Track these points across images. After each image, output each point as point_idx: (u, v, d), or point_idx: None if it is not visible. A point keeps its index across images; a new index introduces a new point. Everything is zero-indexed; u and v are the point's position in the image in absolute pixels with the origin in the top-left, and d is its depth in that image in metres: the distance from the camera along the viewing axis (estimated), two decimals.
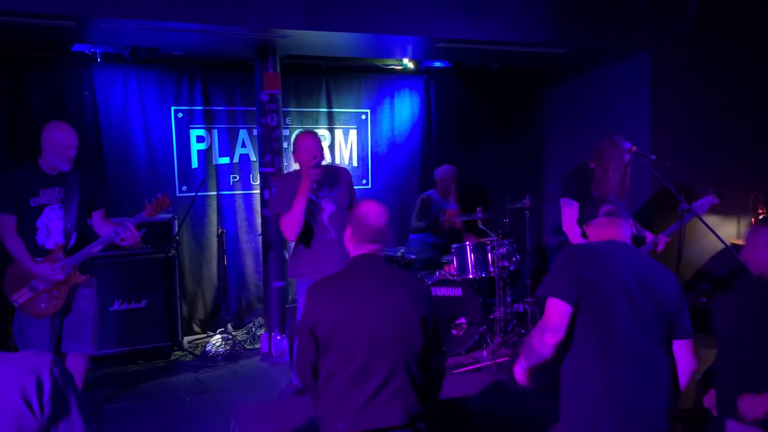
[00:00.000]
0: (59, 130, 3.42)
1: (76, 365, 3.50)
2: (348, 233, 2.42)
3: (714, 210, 4.06)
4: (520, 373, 2.29)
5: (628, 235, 2.37)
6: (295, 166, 4.04)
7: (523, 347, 2.21)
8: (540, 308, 4.99)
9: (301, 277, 3.80)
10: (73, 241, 3.46)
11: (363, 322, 2.24)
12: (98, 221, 3.62)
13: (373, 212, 2.38)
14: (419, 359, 2.29)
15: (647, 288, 2.18)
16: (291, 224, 3.62)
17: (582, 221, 2.48)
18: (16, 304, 3.37)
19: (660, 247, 4.00)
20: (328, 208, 3.78)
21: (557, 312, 2.15)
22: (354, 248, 2.40)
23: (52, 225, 3.43)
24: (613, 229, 2.34)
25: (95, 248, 3.46)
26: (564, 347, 2.20)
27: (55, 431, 1.45)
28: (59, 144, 3.39)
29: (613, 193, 3.92)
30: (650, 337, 2.17)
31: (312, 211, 3.70)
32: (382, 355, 2.23)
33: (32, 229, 3.39)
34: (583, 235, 2.47)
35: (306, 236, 3.74)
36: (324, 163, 3.81)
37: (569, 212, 3.96)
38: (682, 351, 2.24)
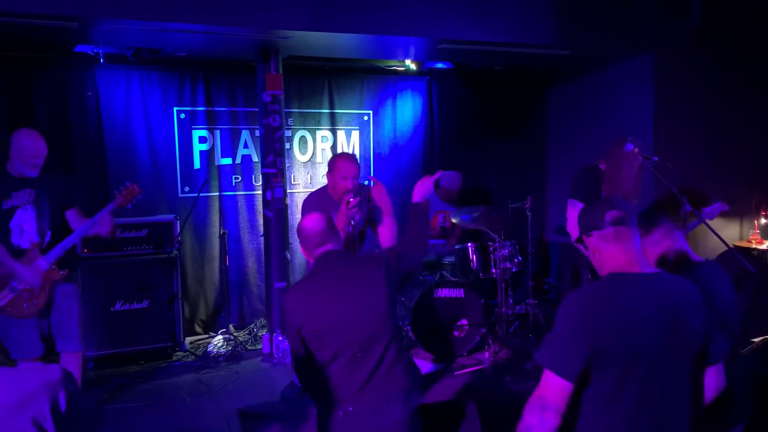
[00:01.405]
0: (28, 138, 3.44)
1: (72, 363, 3.52)
2: (302, 250, 2.62)
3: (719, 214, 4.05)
4: None
5: (639, 249, 1.99)
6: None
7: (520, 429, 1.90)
8: (544, 315, 5.02)
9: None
10: (48, 239, 3.50)
11: (347, 314, 2.38)
12: (74, 219, 3.64)
13: (309, 223, 2.59)
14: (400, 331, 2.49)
15: (672, 331, 1.88)
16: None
17: (583, 228, 2.06)
18: None
19: None
20: (352, 230, 3.57)
21: (555, 388, 1.85)
22: (309, 254, 2.59)
23: (26, 225, 3.46)
24: (622, 246, 1.96)
25: (71, 242, 3.49)
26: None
27: None
28: (27, 153, 3.41)
29: (625, 196, 3.88)
30: (678, 378, 1.92)
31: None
32: (374, 337, 2.39)
33: (6, 231, 3.43)
34: (579, 240, 2.10)
35: None
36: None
37: (576, 213, 3.93)
38: (712, 375, 2.04)
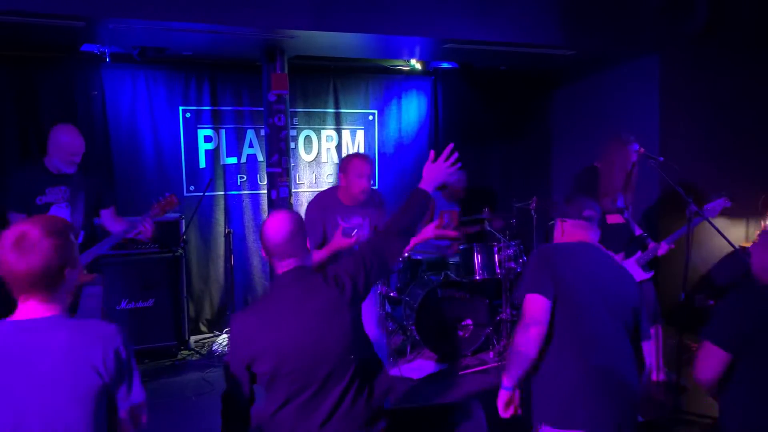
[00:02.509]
0: (65, 135, 3.46)
1: None
2: (263, 251, 2.24)
3: (722, 212, 4.03)
4: (508, 384, 2.30)
5: (596, 239, 2.53)
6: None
7: (507, 358, 2.27)
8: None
9: None
10: (80, 239, 3.48)
11: (310, 343, 2.06)
12: (109, 219, 3.65)
13: (272, 229, 2.17)
14: (365, 359, 2.22)
15: (615, 285, 2.36)
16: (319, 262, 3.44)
17: (560, 213, 2.56)
18: None
19: (660, 252, 3.98)
20: (357, 236, 3.53)
21: (538, 306, 2.24)
22: (275, 266, 2.23)
23: None
24: (586, 233, 2.50)
25: (106, 245, 3.49)
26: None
27: (118, 392, 1.69)
28: (64, 149, 3.44)
29: (618, 192, 3.93)
30: (620, 330, 2.31)
31: (343, 231, 3.52)
32: (335, 375, 2.09)
33: None
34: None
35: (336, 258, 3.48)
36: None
37: None
38: (647, 353, 2.42)
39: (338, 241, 3.42)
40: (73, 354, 1.61)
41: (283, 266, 2.19)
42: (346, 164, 3.62)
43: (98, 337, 1.66)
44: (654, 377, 4.04)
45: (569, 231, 2.53)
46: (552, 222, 2.63)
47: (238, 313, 2.21)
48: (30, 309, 1.68)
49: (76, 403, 1.58)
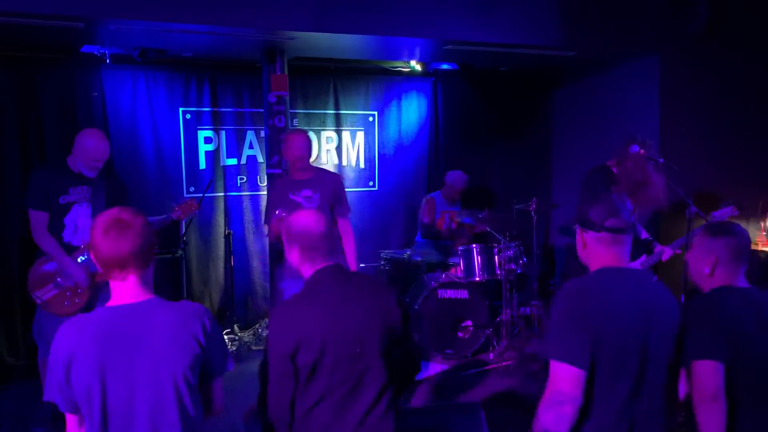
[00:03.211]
0: (91, 140, 3.51)
1: None
2: (296, 253, 2.21)
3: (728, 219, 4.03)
4: None
5: (629, 253, 2.07)
6: None
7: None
8: (549, 317, 5.00)
9: (288, 278, 4.03)
10: None
11: (351, 336, 2.08)
12: None
13: (307, 221, 2.22)
14: (404, 364, 2.24)
15: (656, 321, 1.95)
16: (270, 239, 4.14)
17: (581, 222, 2.09)
18: (39, 301, 3.41)
19: (665, 257, 3.98)
20: (309, 207, 3.96)
21: (569, 379, 1.82)
22: (310, 265, 2.21)
23: (80, 222, 3.51)
24: (614, 250, 2.02)
25: None
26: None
27: (213, 360, 1.91)
28: (89, 154, 3.49)
29: (633, 198, 3.89)
30: (659, 373, 1.97)
31: (291, 209, 3.85)
32: (373, 370, 2.10)
33: (60, 226, 3.47)
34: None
35: None
36: (315, 164, 4.04)
37: None
38: (682, 377, 2.10)
39: (272, 224, 3.91)
40: (180, 329, 1.82)
41: (320, 261, 2.19)
42: (284, 140, 4.19)
43: (195, 313, 1.88)
44: None
45: (591, 246, 2.06)
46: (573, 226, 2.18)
47: (277, 306, 2.27)
48: (128, 292, 1.85)
49: (184, 371, 1.80)
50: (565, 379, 1.82)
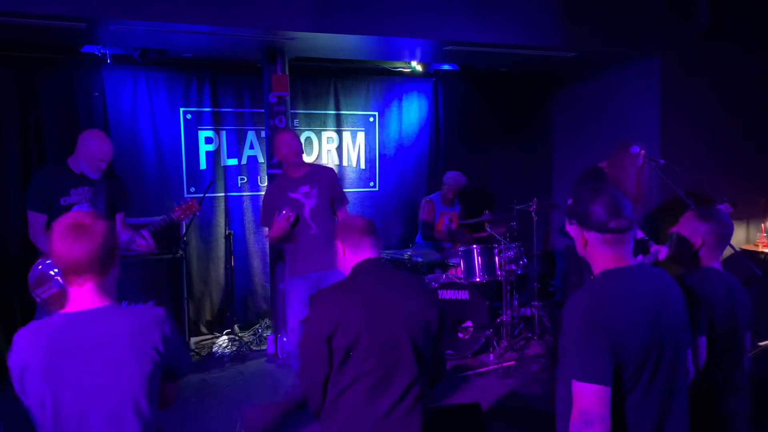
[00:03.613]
0: (94, 140, 3.51)
1: None
2: (340, 246, 2.37)
3: None
4: None
5: (632, 250, 2.01)
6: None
7: None
8: (550, 318, 5.01)
9: (292, 274, 4.08)
10: None
11: (386, 327, 2.16)
12: (117, 225, 3.67)
13: (353, 219, 2.46)
14: (432, 365, 2.28)
15: (668, 318, 1.91)
16: (271, 241, 4.25)
17: (584, 223, 1.99)
18: (39, 299, 3.41)
19: (661, 256, 3.97)
20: (308, 203, 4.02)
21: (595, 398, 1.74)
22: (352, 255, 2.33)
23: None
24: (618, 249, 1.96)
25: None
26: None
27: (173, 366, 1.87)
28: (92, 155, 3.49)
29: (628, 198, 3.88)
30: (679, 365, 1.94)
31: (293, 207, 3.97)
32: (404, 363, 2.17)
33: None
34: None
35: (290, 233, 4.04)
36: (309, 160, 4.06)
37: None
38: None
39: (275, 225, 3.96)
40: (137, 337, 1.76)
41: (364, 253, 2.31)
42: (275, 142, 4.25)
43: (154, 320, 1.82)
44: None
45: (594, 245, 1.98)
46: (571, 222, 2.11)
47: (319, 292, 2.34)
48: (85, 298, 1.79)
49: (142, 381, 1.75)
50: (589, 398, 1.75)
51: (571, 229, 2.06)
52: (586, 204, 1.98)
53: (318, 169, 4.26)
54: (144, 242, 3.58)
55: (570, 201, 3.52)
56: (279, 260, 5.05)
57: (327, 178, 4.14)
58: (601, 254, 1.98)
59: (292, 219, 3.92)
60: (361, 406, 2.13)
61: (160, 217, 3.77)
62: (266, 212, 4.14)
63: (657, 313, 1.88)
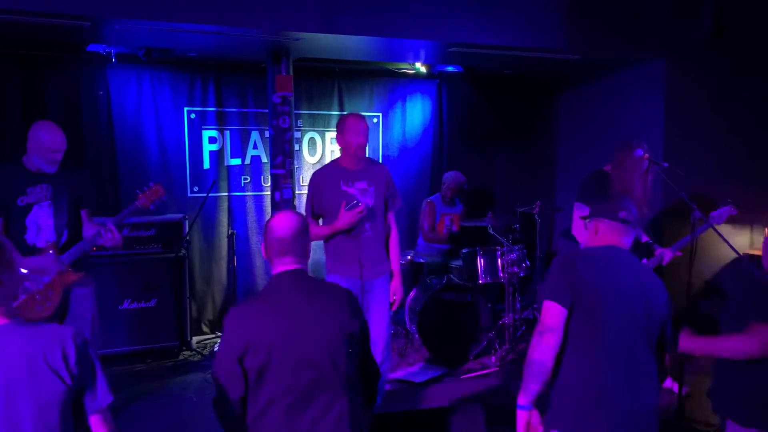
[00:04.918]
0: (46, 132, 3.33)
1: None
2: (263, 248, 2.23)
3: (727, 220, 4.02)
4: (524, 402, 2.15)
5: (630, 243, 2.39)
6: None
7: (524, 369, 2.17)
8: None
9: (335, 273, 3.62)
10: (65, 238, 3.39)
11: (301, 345, 2.05)
12: (84, 222, 3.53)
13: (279, 221, 2.20)
14: (358, 375, 2.20)
15: (643, 295, 2.24)
16: (325, 235, 3.62)
17: (596, 212, 2.42)
18: None
19: (665, 261, 3.96)
20: (364, 201, 3.57)
21: (553, 314, 2.18)
22: (273, 265, 2.21)
23: (42, 222, 3.34)
24: (620, 237, 2.36)
25: (85, 248, 3.36)
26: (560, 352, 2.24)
27: (84, 395, 1.65)
28: (45, 146, 3.31)
29: (634, 201, 3.87)
30: (642, 341, 2.24)
31: (347, 204, 3.53)
32: (324, 379, 2.07)
33: (22, 229, 3.31)
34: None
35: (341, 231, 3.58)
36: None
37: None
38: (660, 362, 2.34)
39: (344, 218, 3.46)
40: (32, 362, 1.56)
41: (283, 264, 2.17)
42: (341, 124, 3.72)
43: (55, 340, 1.61)
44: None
45: (603, 232, 2.39)
46: (587, 219, 2.47)
47: (233, 308, 2.18)
48: None
49: (41, 413, 1.54)
50: (549, 314, 2.18)
51: (589, 226, 2.44)
52: (602, 198, 2.45)
53: (375, 166, 3.83)
54: (110, 235, 3.33)
55: (578, 204, 3.82)
56: None
57: (384, 177, 3.76)
58: (607, 240, 2.37)
59: (365, 212, 3.51)
60: (282, 427, 2.05)
61: (126, 210, 3.50)
62: (321, 201, 3.64)
63: (638, 293, 2.22)
